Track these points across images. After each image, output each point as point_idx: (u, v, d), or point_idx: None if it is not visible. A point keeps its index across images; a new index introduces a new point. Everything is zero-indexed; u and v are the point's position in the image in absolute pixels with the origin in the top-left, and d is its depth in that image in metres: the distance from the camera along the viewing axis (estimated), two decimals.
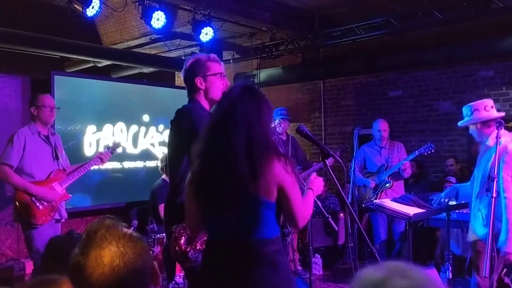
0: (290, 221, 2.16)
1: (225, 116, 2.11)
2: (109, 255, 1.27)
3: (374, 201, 4.71)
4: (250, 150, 2.01)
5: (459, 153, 6.64)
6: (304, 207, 2.17)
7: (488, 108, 3.40)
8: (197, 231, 2.31)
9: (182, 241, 2.42)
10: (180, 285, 5.00)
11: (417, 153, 5.51)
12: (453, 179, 5.83)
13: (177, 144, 2.69)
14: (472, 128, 3.51)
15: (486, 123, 3.39)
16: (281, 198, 2.07)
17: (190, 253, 2.44)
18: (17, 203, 4.02)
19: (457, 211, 4.37)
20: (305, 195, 2.27)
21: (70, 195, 4.37)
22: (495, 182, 3.00)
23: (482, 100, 3.55)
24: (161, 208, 5.29)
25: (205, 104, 2.73)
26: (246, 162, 2.00)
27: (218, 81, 2.73)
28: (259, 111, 2.10)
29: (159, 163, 5.95)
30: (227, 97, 2.20)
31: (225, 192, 2.05)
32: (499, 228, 3.16)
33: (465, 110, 3.54)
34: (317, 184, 2.35)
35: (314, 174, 2.42)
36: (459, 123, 3.63)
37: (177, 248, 2.43)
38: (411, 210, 3.82)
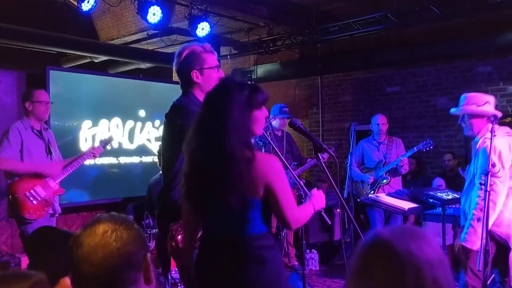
0: (280, 221, 2.18)
1: (208, 116, 2.08)
2: (103, 227, 1.32)
3: (370, 195, 4.69)
4: (233, 151, 1.97)
5: (457, 149, 6.62)
6: (297, 210, 2.13)
7: (481, 103, 3.33)
8: (192, 231, 2.30)
9: (179, 238, 2.43)
10: (177, 280, 4.99)
11: (416, 150, 5.48)
12: (442, 181, 5.85)
13: (171, 141, 2.66)
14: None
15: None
16: (269, 197, 2.04)
17: None
18: (11, 198, 4.01)
19: (452, 206, 4.36)
20: (303, 205, 2.25)
21: (64, 190, 4.35)
22: (489, 176, 2.98)
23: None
24: None
25: (201, 97, 2.65)
26: (230, 163, 1.97)
27: (214, 74, 2.68)
28: (240, 109, 2.04)
29: (156, 159, 5.94)
30: (210, 96, 2.16)
31: (212, 191, 2.04)
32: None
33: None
34: (318, 198, 2.28)
35: (315, 189, 2.37)
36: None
37: (173, 244, 2.44)
38: (406, 205, 3.81)
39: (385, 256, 1.05)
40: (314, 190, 2.34)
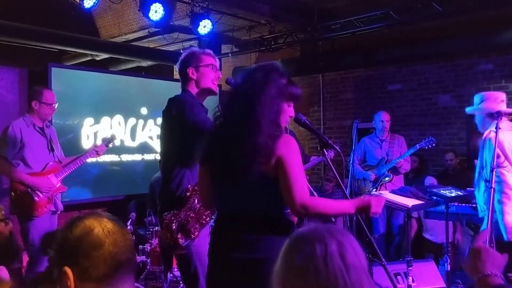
0: (285, 197, 2.02)
1: (247, 85, 2.12)
2: (106, 216, 1.33)
3: (373, 192, 4.69)
4: (261, 129, 1.99)
5: (458, 147, 6.62)
6: (306, 191, 2.04)
7: (499, 101, 3.44)
8: (209, 205, 2.34)
9: (173, 228, 2.47)
10: (178, 278, 4.98)
11: (418, 147, 5.47)
12: (433, 180, 5.85)
13: (168, 133, 2.77)
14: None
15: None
16: (279, 170, 2.01)
17: (180, 240, 2.46)
18: (13, 195, 4.01)
19: (456, 204, 4.35)
20: (341, 202, 2.23)
21: (66, 187, 4.34)
22: (494, 172, 2.99)
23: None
24: None
25: (196, 94, 2.81)
26: (256, 129, 1.99)
27: (210, 72, 2.81)
28: (275, 92, 2.08)
29: (158, 156, 5.93)
30: (247, 78, 2.18)
31: (237, 168, 2.02)
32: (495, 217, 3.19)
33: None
34: (363, 203, 2.19)
35: (374, 197, 2.30)
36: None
37: (168, 234, 2.45)
38: (410, 202, 3.79)
39: (298, 242, 1.21)
40: (372, 198, 2.27)
